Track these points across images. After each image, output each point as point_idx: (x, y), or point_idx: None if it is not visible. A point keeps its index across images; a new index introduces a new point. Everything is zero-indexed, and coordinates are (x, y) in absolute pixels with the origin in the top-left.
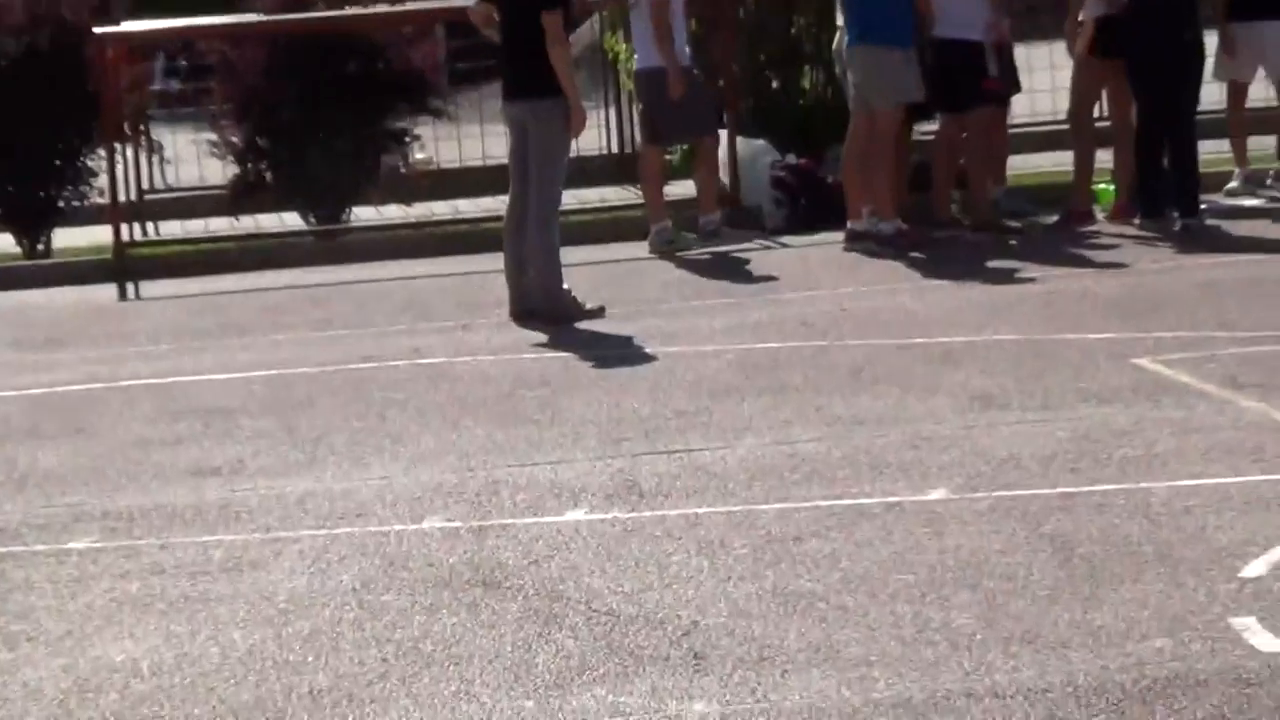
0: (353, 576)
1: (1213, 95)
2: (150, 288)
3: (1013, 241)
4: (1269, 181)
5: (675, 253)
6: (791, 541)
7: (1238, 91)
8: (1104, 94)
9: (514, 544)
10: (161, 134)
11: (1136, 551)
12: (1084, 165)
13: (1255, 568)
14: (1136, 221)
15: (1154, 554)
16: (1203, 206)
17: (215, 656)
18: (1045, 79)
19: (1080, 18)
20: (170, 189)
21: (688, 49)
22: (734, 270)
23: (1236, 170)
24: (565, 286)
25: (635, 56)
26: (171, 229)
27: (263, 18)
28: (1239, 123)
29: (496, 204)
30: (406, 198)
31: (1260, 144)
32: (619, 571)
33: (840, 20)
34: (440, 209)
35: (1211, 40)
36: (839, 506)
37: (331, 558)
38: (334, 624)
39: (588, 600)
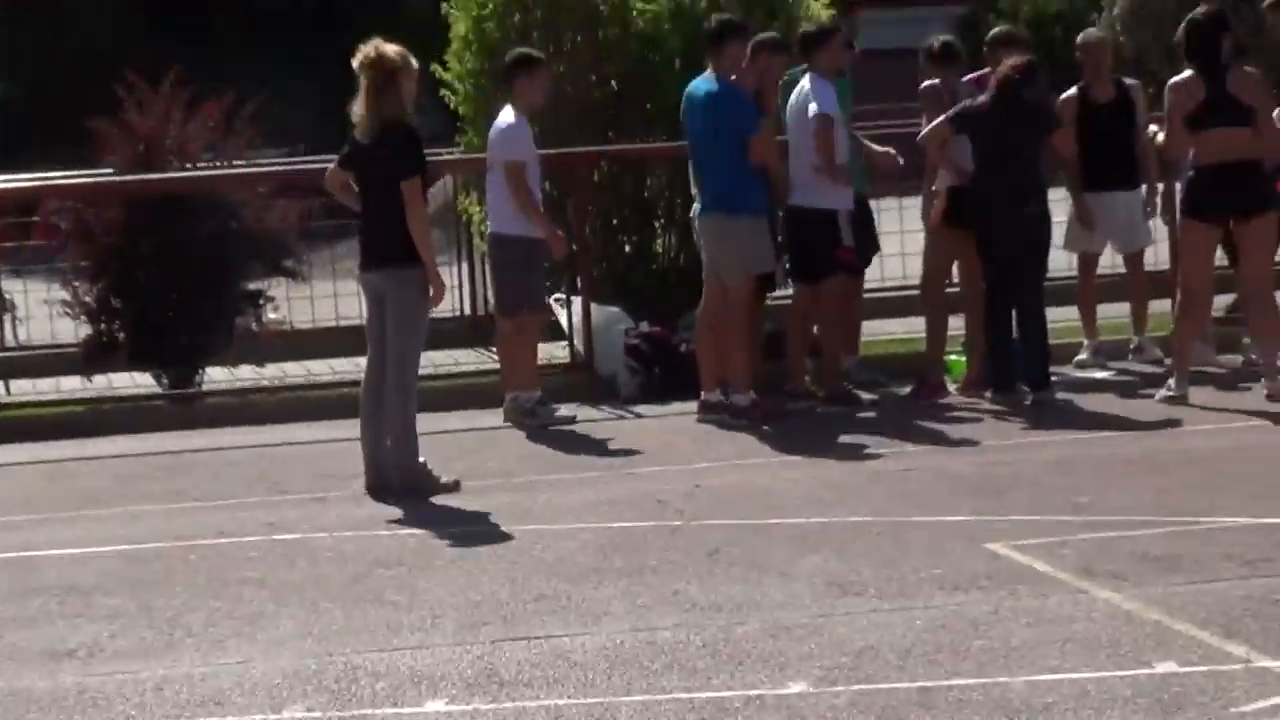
0: None
1: (1062, 263)
2: (3, 451)
3: (866, 414)
4: (1130, 355)
5: (539, 424)
6: None
7: (1088, 262)
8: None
9: None
10: (12, 289)
11: None
12: (936, 336)
13: None
14: (988, 395)
15: None
16: (1053, 379)
17: None
18: (895, 243)
19: (934, 187)
20: (21, 347)
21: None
22: (588, 442)
23: (1085, 342)
24: (421, 459)
25: (488, 221)
26: (22, 387)
27: (117, 177)
28: (1089, 294)
29: (350, 366)
30: (260, 359)
31: (1106, 312)
32: None
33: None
34: (293, 370)
35: (1063, 209)
36: (699, 700)
37: None
38: None
39: None
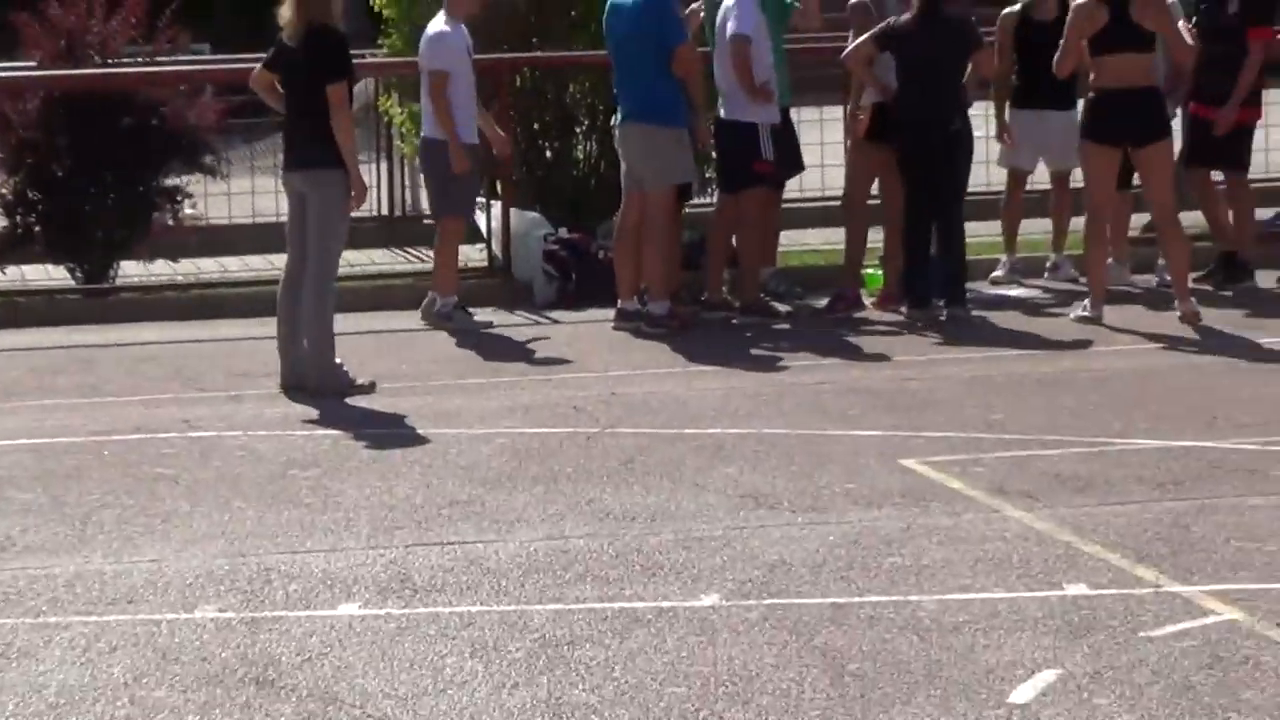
0: (124, 669)
1: (981, 178)
2: None
3: (782, 326)
4: (1047, 273)
5: (454, 328)
6: (565, 646)
7: (1018, 179)
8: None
9: (287, 639)
10: None
11: (907, 670)
12: (855, 249)
13: (1023, 693)
14: (903, 309)
15: (924, 674)
16: (969, 296)
17: None
18: (814, 155)
19: (859, 103)
20: None
21: (476, 123)
22: (505, 348)
23: (1003, 258)
24: (337, 360)
25: (423, 125)
26: None
27: (38, 71)
28: (1014, 210)
29: (265, 264)
30: (175, 254)
31: (1025, 228)
32: (393, 673)
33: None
34: (209, 267)
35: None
36: (612, 610)
37: (103, 647)
38: None
39: (361, 704)
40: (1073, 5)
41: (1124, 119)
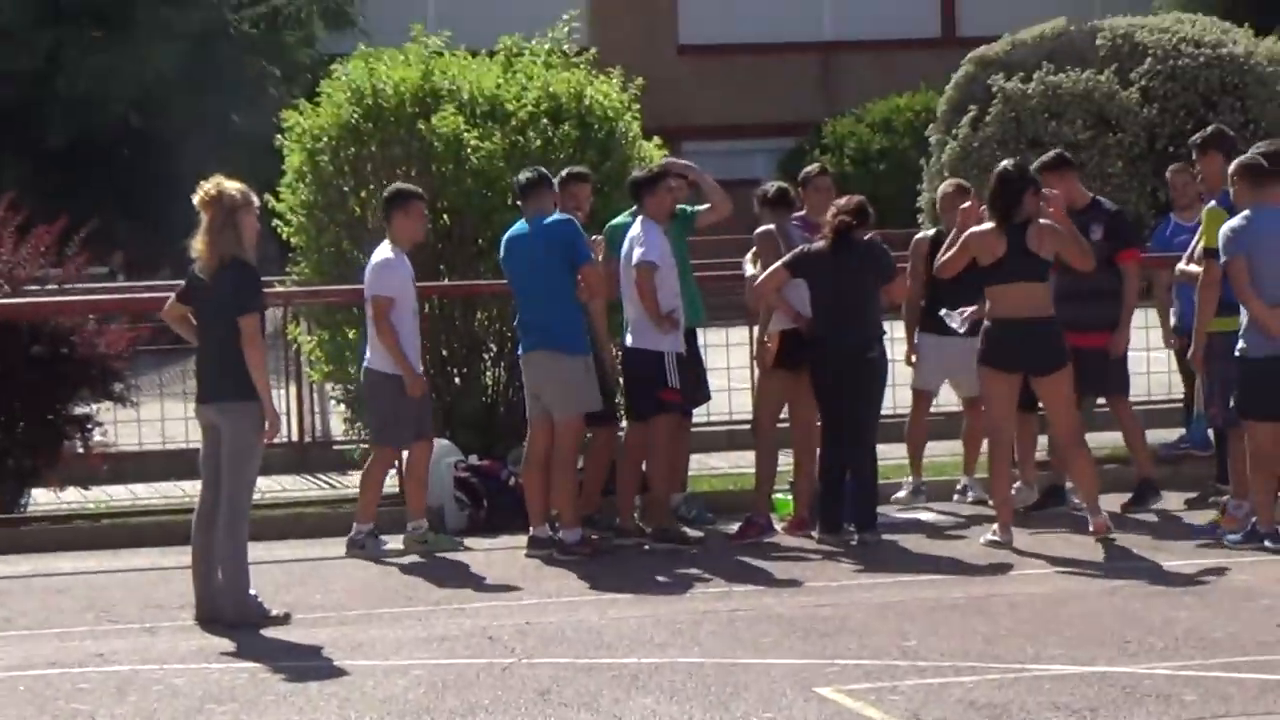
0: None
1: (894, 400)
2: None
3: (693, 551)
4: (956, 496)
5: (367, 557)
6: None
7: (922, 401)
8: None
9: None
10: None
11: None
12: (765, 475)
13: None
14: (814, 534)
15: None
16: (880, 519)
17: None
18: (722, 379)
19: (768, 329)
20: None
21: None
22: (419, 576)
23: (907, 479)
24: (251, 591)
25: (367, 355)
26: None
27: None
28: (918, 432)
29: (177, 491)
30: (86, 482)
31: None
32: None
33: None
34: (120, 494)
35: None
36: None
37: None
38: None
39: None
40: (968, 232)
41: (1021, 349)
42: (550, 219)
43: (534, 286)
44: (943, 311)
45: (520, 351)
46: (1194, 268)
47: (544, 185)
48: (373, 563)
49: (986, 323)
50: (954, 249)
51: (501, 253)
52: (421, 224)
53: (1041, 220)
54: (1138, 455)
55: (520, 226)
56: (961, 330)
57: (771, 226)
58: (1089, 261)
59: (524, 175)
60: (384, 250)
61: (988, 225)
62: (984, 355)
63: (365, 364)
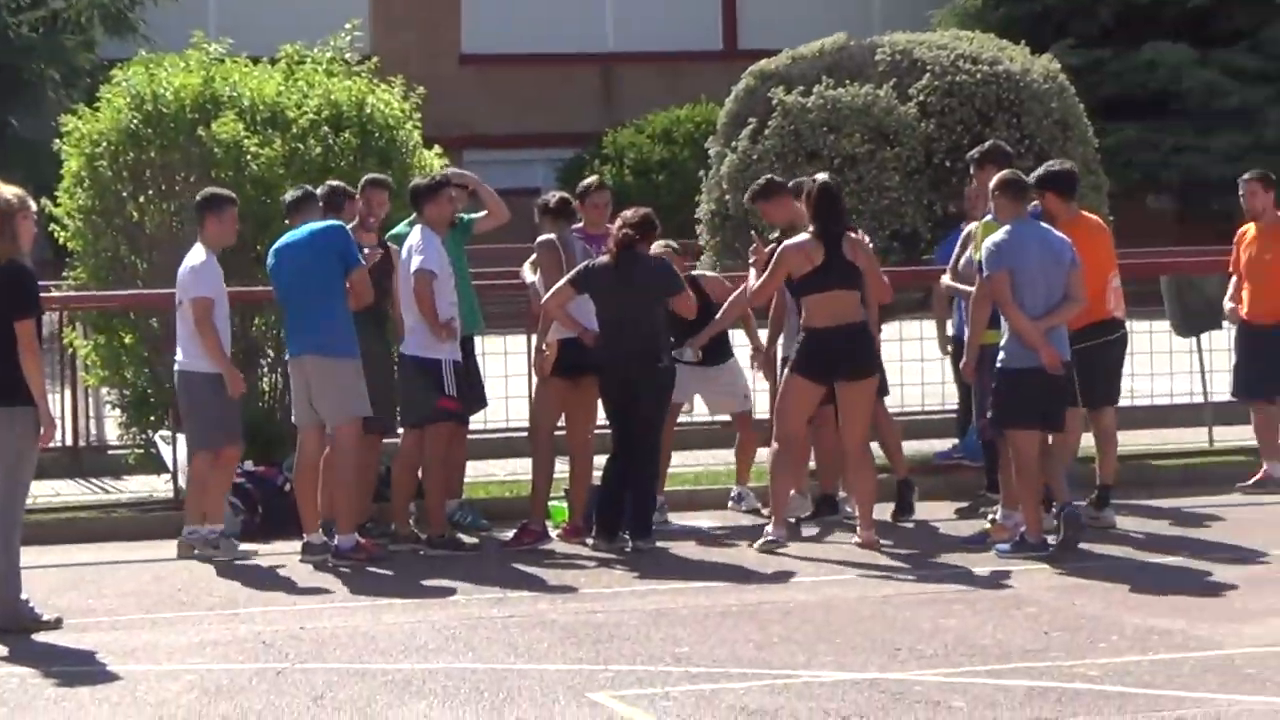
0: None
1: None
2: None
3: (469, 558)
4: (730, 504)
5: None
6: None
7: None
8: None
9: None
10: None
11: None
12: (540, 481)
13: None
14: (589, 541)
15: None
16: (655, 528)
17: None
18: (500, 387)
19: (548, 338)
20: None
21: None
22: (192, 581)
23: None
24: (24, 597)
25: (180, 357)
26: None
27: None
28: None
29: None
30: None
31: (703, 459)
32: None
33: None
34: None
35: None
36: None
37: None
38: None
39: None
40: (786, 244)
41: (837, 356)
42: (321, 225)
43: (304, 291)
44: (674, 351)
45: (288, 356)
46: (958, 284)
47: (310, 202)
48: (143, 566)
49: (802, 334)
50: (767, 274)
51: (270, 261)
52: (233, 228)
53: (853, 234)
54: (892, 457)
55: (290, 235)
56: (695, 360)
57: (552, 236)
58: (886, 293)
59: (290, 193)
60: (198, 253)
61: (804, 236)
62: (798, 365)
63: (180, 366)
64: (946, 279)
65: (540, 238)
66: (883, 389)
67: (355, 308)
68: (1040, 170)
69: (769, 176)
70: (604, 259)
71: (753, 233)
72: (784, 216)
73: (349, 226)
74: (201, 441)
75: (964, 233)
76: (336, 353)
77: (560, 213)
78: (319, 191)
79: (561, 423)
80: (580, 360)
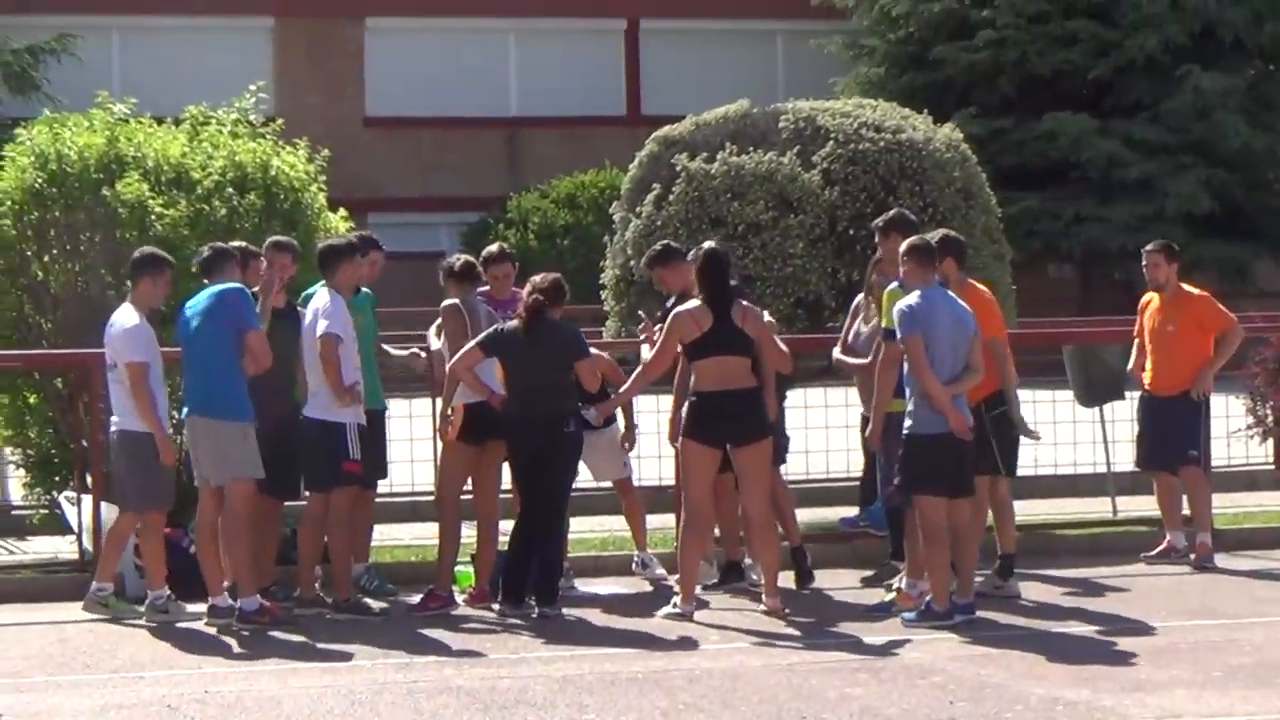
0: None
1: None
2: None
3: (375, 622)
4: (633, 568)
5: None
6: None
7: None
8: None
9: None
10: None
11: None
12: (447, 546)
13: None
14: (495, 607)
15: None
16: (560, 593)
17: None
18: (404, 451)
19: (453, 402)
20: None
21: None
22: (97, 644)
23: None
24: None
25: (115, 418)
26: None
27: None
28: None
29: None
30: None
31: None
32: None
33: None
34: None
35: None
36: None
37: None
38: None
39: None
40: (676, 311)
41: (726, 419)
42: (221, 287)
43: (197, 351)
44: (583, 410)
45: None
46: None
47: (224, 259)
48: (44, 629)
49: (692, 397)
50: (659, 342)
51: (179, 318)
52: (165, 291)
53: (743, 301)
54: (786, 525)
55: (196, 296)
56: (597, 424)
57: (456, 300)
58: (784, 361)
59: (204, 251)
60: (129, 314)
61: (694, 302)
62: (688, 430)
63: (117, 427)
64: (837, 351)
65: (445, 302)
66: (778, 457)
67: (252, 372)
68: (939, 236)
69: (665, 242)
70: (514, 323)
71: (640, 313)
72: (679, 283)
73: (253, 290)
74: (136, 503)
75: (854, 304)
76: (219, 414)
77: (465, 276)
78: (201, 252)
79: (468, 487)
80: (487, 425)
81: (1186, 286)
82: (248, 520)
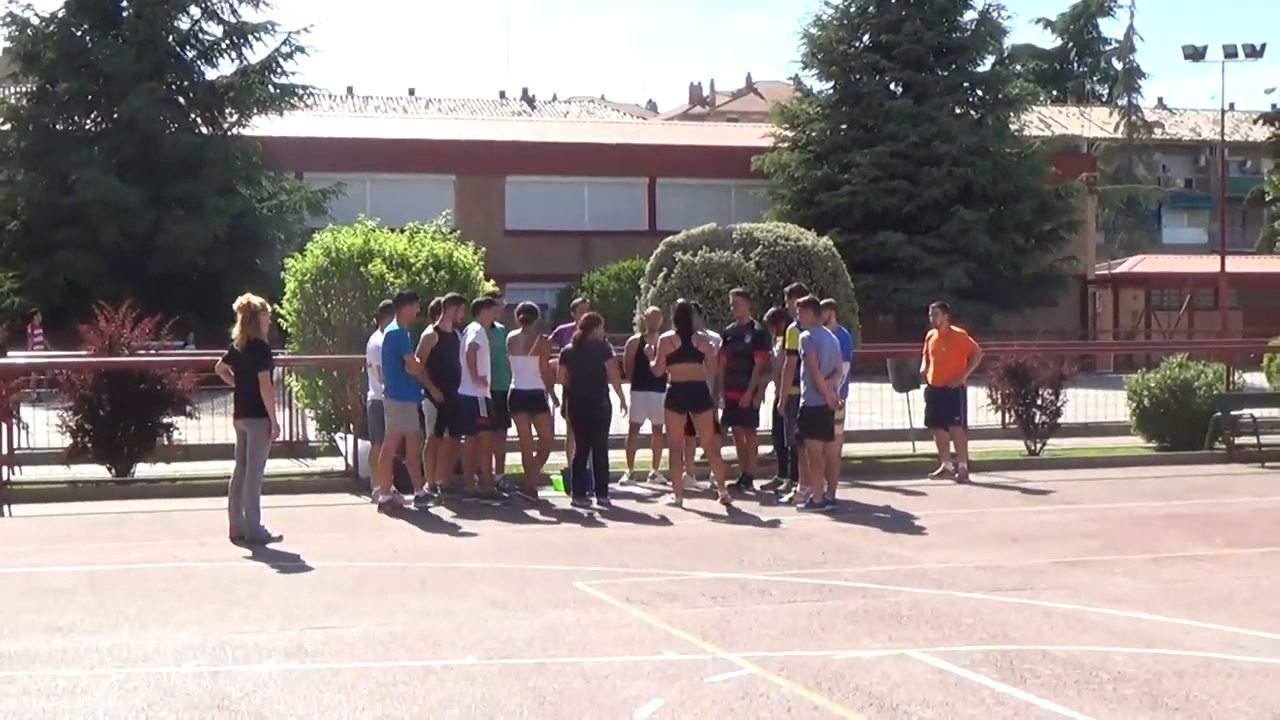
0: (142, 700)
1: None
2: (19, 509)
3: (498, 505)
4: (648, 479)
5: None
6: (390, 686)
7: (633, 428)
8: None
9: (234, 682)
10: (28, 415)
11: (577, 699)
12: (531, 463)
13: (643, 712)
14: (570, 499)
15: (588, 701)
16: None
17: None
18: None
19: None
20: (31, 449)
21: None
22: (357, 517)
23: (625, 473)
24: (261, 522)
25: (369, 392)
26: (31, 473)
27: (93, 358)
28: (631, 445)
29: (220, 469)
30: (169, 460)
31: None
32: (295, 701)
33: None
34: (186, 469)
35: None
36: (413, 667)
37: (129, 688)
38: None
39: (278, 719)
40: (662, 337)
41: (686, 399)
42: (391, 328)
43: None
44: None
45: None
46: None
47: (401, 303)
48: (310, 511)
49: (669, 384)
50: (659, 352)
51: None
52: (414, 313)
53: (699, 331)
54: (748, 460)
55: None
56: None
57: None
58: (716, 367)
59: (398, 293)
60: (379, 337)
61: (670, 332)
62: (668, 401)
63: (371, 397)
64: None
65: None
66: (752, 421)
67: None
68: (806, 298)
69: (682, 301)
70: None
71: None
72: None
73: (436, 325)
74: (378, 436)
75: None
76: (394, 396)
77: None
78: (436, 302)
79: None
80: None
81: (954, 327)
82: (415, 451)
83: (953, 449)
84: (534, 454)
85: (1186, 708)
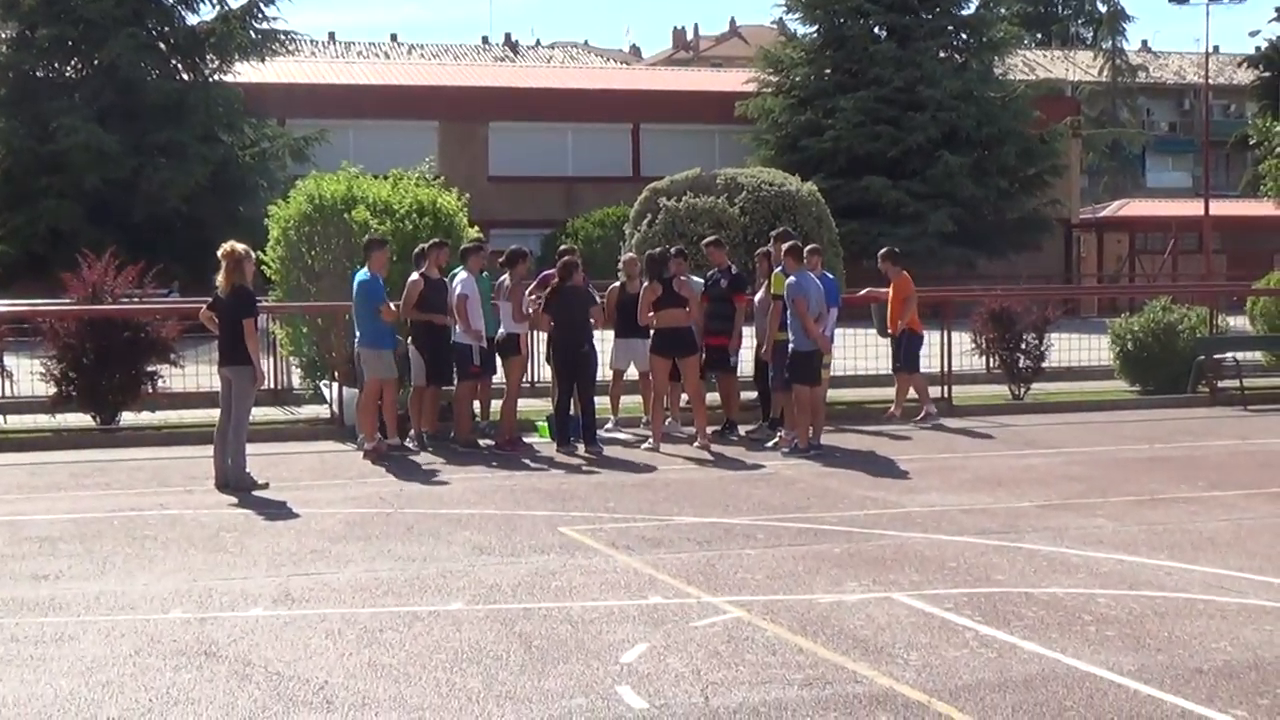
0: (129, 647)
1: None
2: (4, 458)
3: (484, 451)
4: (606, 426)
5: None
6: (377, 631)
7: (618, 375)
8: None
9: (222, 628)
10: (11, 363)
11: (565, 643)
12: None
13: (629, 655)
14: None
15: (574, 645)
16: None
17: (48, 695)
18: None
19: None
20: (15, 396)
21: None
22: (342, 464)
23: (610, 419)
24: (247, 469)
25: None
26: (14, 420)
27: (76, 306)
28: (616, 391)
29: (205, 416)
30: (153, 408)
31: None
32: (282, 648)
33: None
34: (171, 416)
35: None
36: (400, 611)
37: (116, 635)
38: (120, 676)
39: (265, 665)
40: (644, 286)
41: (672, 344)
42: (363, 276)
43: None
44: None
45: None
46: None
47: (370, 248)
48: (316, 455)
49: (654, 331)
50: (644, 300)
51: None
52: (385, 260)
53: (680, 276)
54: (730, 405)
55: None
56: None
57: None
58: (696, 313)
59: (366, 239)
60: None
61: (649, 282)
62: (653, 347)
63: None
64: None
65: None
66: (729, 367)
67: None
68: (790, 243)
69: (663, 248)
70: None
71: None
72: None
73: (421, 271)
74: (365, 377)
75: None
76: (368, 344)
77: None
78: (420, 249)
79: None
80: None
81: (901, 271)
82: (383, 397)
83: (912, 393)
84: (505, 401)
85: (1169, 648)
